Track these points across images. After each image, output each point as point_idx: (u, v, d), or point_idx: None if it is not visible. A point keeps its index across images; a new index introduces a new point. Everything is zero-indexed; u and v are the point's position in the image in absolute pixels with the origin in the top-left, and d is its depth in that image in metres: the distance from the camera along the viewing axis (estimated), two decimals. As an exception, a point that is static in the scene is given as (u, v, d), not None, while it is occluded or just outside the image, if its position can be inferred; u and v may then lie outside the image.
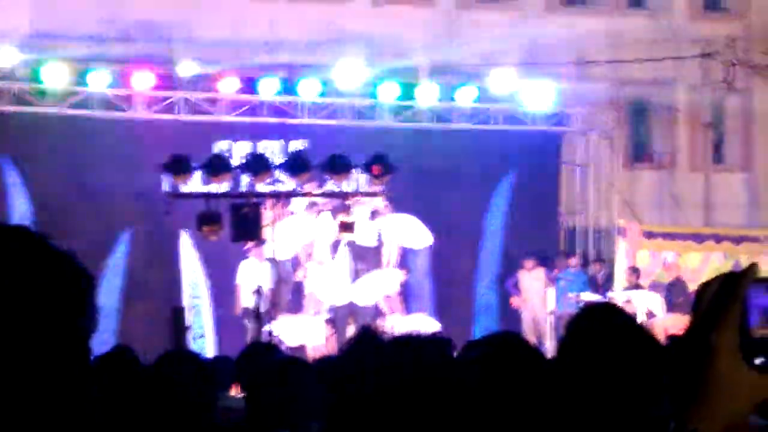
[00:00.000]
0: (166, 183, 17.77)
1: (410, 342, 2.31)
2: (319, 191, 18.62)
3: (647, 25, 23.61)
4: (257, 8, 21.24)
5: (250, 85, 19.08)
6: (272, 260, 17.82)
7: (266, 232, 17.38)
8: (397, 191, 18.71)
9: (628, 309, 15.86)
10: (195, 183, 17.95)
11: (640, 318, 17.73)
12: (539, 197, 20.68)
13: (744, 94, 24.17)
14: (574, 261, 20.41)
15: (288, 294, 18.73)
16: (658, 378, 2.81)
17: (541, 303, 19.95)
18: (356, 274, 19.02)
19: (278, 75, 19.33)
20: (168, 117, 18.82)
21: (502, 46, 20.65)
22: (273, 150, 19.03)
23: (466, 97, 20.12)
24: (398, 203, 19.19)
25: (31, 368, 1.61)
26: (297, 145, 19.11)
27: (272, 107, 19.33)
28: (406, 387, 2.21)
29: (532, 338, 17.27)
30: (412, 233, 19.66)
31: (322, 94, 19.37)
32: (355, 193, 18.82)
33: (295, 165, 17.99)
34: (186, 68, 18.97)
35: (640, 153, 24.64)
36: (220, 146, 18.79)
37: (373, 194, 18.67)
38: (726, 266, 20.58)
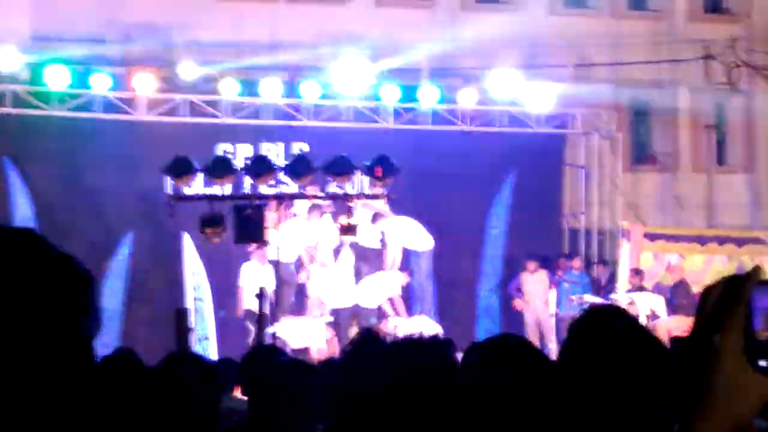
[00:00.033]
0: (168, 185, 17.78)
1: (411, 344, 2.31)
2: (322, 194, 18.62)
3: (648, 27, 23.62)
4: (258, 10, 21.25)
5: (251, 88, 19.10)
6: (275, 262, 17.82)
7: (269, 235, 17.38)
8: (399, 193, 18.71)
9: (631, 311, 15.85)
10: (197, 185, 17.97)
11: (643, 320, 17.73)
12: (541, 199, 20.68)
13: (746, 94, 24.17)
14: (576, 263, 20.40)
15: (291, 296, 18.73)
16: (662, 380, 2.81)
17: (544, 305, 19.93)
18: (359, 276, 19.03)
19: (280, 77, 19.35)
20: (170, 119, 18.84)
21: (503, 48, 20.65)
22: (275, 152, 19.05)
23: (467, 99, 20.13)
24: (400, 205, 19.18)
25: (34, 370, 1.61)
26: (299, 147, 19.13)
27: (274, 109, 19.34)
28: (408, 389, 2.21)
29: (534, 341, 17.27)
30: (415, 235, 19.66)
31: (324, 96, 19.39)
32: (358, 196, 18.82)
33: (298, 167, 17.99)
34: (187, 70, 18.98)
35: (642, 155, 24.65)
36: (222, 148, 18.82)
37: (376, 196, 18.67)
38: (729, 268, 20.58)
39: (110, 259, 18.20)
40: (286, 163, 18.42)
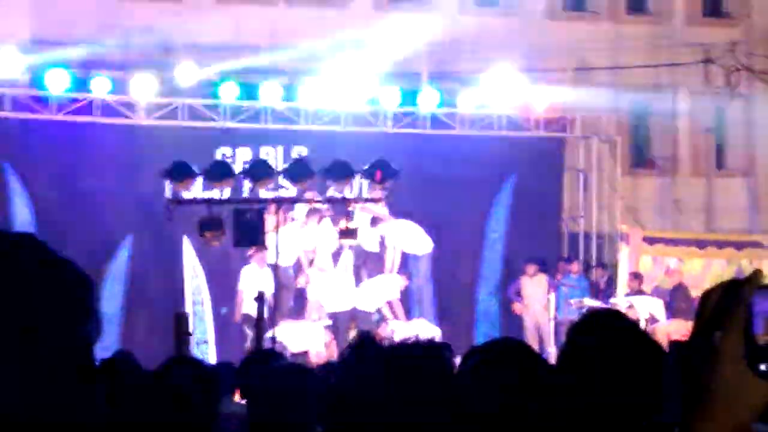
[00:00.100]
0: (168, 189, 17.79)
1: (409, 348, 2.31)
2: (321, 197, 18.62)
3: (648, 31, 23.63)
4: (257, 13, 21.25)
5: (251, 91, 19.09)
6: (274, 266, 17.82)
7: (268, 238, 17.38)
8: (398, 197, 18.72)
9: (631, 315, 15.85)
10: (197, 189, 17.97)
11: (642, 324, 17.73)
12: (541, 203, 20.67)
13: (745, 98, 24.17)
14: (576, 267, 20.40)
15: (290, 300, 18.73)
16: (661, 384, 2.81)
17: (543, 309, 19.93)
18: (359, 280, 19.03)
19: (279, 80, 19.35)
20: (170, 123, 18.84)
21: (503, 52, 20.65)
22: (274, 156, 19.06)
23: (467, 103, 20.13)
24: (399, 209, 19.19)
25: (34, 374, 1.61)
26: (298, 151, 19.13)
27: (274, 113, 19.34)
28: (405, 393, 2.21)
29: (533, 344, 17.26)
30: (414, 239, 19.66)
31: (323, 100, 19.35)
32: (357, 199, 18.83)
33: (297, 171, 18.01)
34: (186, 73, 18.98)
35: (641, 158, 24.66)
36: (221, 152, 18.82)
37: (375, 200, 18.68)
38: (728, 272, 20.59)
39: (109, 262, 18.19)
40: (286, 166, 18.43)
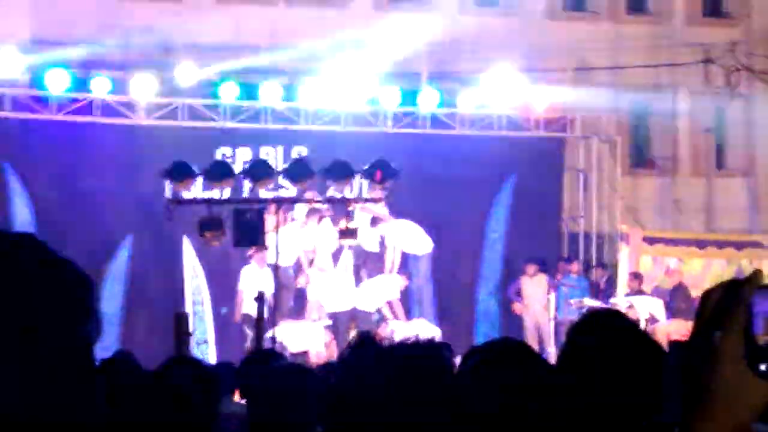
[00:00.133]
0: (168, 189, 17.79)
1: (408, 348, 2.31)
2: (321, 197, 18.63)
3: (648, 31, 23.63)
4: (257, 13, 21.25)
5: (251, 91, 19.09)
6: (274, 266, 17.83)
7: (268, 238, 17.38)
8: (398, 197, 18.72)
9: (631, 315, 15.85)
10: (197, 189, 17.97)
11: (642, 324, 17.73)
12: (541, 203, 20.68)
13: (745, 98, 24.17)
14: (576, 267, 20.40)
15: (290, 300, 18.74)
16: (661, 384, 2.81)
17: (543, 309, 19.93)
18: (359, 280, 19.04)
19: (279, 80, 19.35)
20: (170, 123, 18.84)
21: (503, 52, 20.65)
22: (274, 156, 19.06)
23: (467, 103, 20.14)
24: (399, 209, 19.19)
25: (34, 375, 1.61)
26: (298, 151, 19.14)
27: (274, 113, 19.34)
28: (405, 393, 2.21)
29: (533, 344, 17.26)
30: (414, 239, 19.66)
31: (323, 100, 19.36)
32: (357, 199, 18.83)
33: (297, 171, 18.01)
34: (186, 73, 18.98)
35: (641, 158, 24.66)
36: (221, 152, 18.82)
37: (375, 200, 18.68)
38: (728, 272, 20.59)
39: (109, 262, 18.20)
40: (286, 166, 18.43)
